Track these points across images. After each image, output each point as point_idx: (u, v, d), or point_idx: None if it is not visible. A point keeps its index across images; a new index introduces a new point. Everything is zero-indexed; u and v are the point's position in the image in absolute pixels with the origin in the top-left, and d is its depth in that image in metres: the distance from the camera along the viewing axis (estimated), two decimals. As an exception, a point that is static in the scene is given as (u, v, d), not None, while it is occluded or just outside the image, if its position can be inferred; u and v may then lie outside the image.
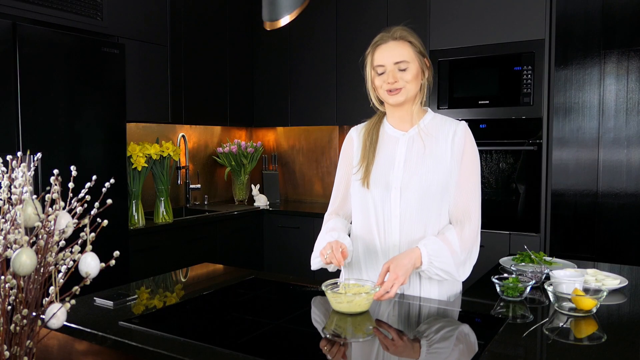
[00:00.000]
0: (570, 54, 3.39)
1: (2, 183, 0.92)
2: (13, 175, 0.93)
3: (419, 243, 1.52)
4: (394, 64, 1.56)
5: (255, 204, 4.14)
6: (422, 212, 1.58)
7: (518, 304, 1.52)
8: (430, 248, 1.50)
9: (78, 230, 0.94)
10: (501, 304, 1.52)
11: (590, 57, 3.35)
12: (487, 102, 3.16)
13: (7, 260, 0.86)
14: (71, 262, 0.92)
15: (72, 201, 0.95)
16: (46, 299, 0.91)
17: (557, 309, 1.44)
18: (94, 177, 0.98)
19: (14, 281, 0.87)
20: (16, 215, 0.88)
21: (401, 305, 1.53)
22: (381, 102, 1.69)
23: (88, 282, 0.91)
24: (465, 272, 1.58)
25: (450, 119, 1.66)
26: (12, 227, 0.88)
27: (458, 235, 1.55)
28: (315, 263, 1.64)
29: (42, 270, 0.90)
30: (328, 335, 1.31)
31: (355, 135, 1.74)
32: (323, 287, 1.45)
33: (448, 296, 1.65)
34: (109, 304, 1.50)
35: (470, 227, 1.57)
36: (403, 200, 1.58)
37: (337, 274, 1.73)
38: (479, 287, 1.75)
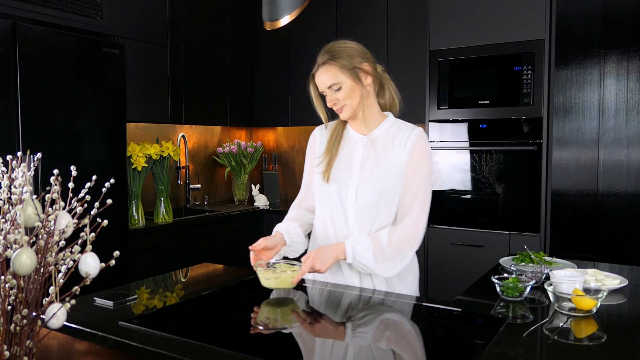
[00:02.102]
0: (570, 54, 3.39)
1: (2, 183, 0.92)
2: (13, 175, 0.93)
3: (347, 239, 1.64)
4: (328, 89, 1.68)
5: (255, 204, 4.14)
6: (374, 214, 1.67)
7: (518, 304, 1.52)
8: (355, 244, 1.60)
9: (78, 230, 0.94)
10: (501, 304, 1.52)
11: (590, 57, 3.35)
12: (487, 102, 3.16)
13: (7, 260, 0.86)
14: (71, 262, 0.92)
15: (72, 201, 0.95)
16: (46, 299, 0.91)
17: (557, 309, 1.44)
18: (94, 177, 0.98)
19: (14, 281, 0.87)
20: (16, 215, 0.88)
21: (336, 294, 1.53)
22: (331, 115, 1.80)
23: (88, 282, 0.91)
24: (392, 269, 1.63)
25: (408, 125, 1.73)
26: (12, 227, 0.88)
27: (389, 234, 1.62)
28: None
29: (42, 270, 0.90)
30: (261, 327, 1.38)
31: (319, 134, 1.85)
32: (254, 266, 1.59)
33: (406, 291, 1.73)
34: (109, 304, 1.50)
35: (403, 226, 1.64)
36: (358, 202, 1.68)
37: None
38: (479, 287, 1.75)
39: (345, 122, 1.79)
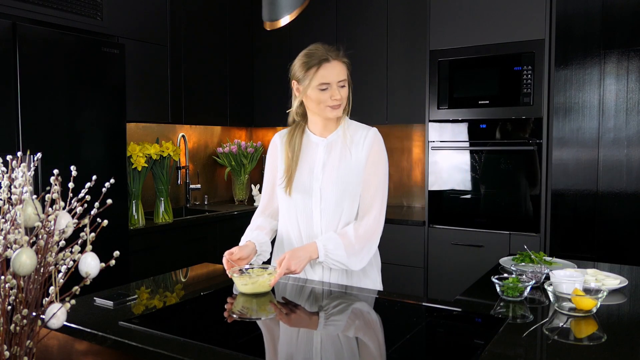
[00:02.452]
0: (570, 54, 3.39)
1: (2, 183, 0.92)
2: (13, 175, 0.93)
3: (317, 238, 1.72)
4: (337, 82, 1.72)
5: (255, 204, 4.14)
6: (339, 211, 1.76)
7: (518, 304, 1.52)
8: (326, 243, 1.68)
9: (78, 230, 0.94)
10: (501, 304, 1.52)
11: (590, 57, 3.35)
12: (487, 102, 3.16)
13: (7, 260, 0.86)
14: (71, 262, 0.92)
15: (72, 201, 0.95)
16: (46, 299, 0.91)
17: (557, 309, 1.44)
18: (94, 177, 0.98)
19: (14, 281, 0.87)
20: (16, 215, 0.88)
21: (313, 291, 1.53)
22: (303, 115, 1.86)
23: (88, 282, 0.91)
24: (360, 262, 1.72)
25: (363, 125, 1.83)
26: (12, 227, 0.88)
27: (355, 229, 1.71)
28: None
29: (42, 270, 0.90)
30: (235, 316, 1.45)
31: (279, 140, 1.90)
32: (229, 272, 1.64)
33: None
34: (109, 304, 1.50)
35: (367, 221, 1.73)
36: (323, 201, 1.76)
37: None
38: (479, 287, 1.75)
39: (301, 130, 1.85)
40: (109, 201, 0.94)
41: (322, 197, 1.76)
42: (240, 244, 1.82)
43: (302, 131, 1.85)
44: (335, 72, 1.71)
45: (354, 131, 1.81)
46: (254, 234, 1.85)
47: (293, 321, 1.43)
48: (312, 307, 1.56)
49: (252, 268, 1.69)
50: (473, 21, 3.20)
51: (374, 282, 1.85)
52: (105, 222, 0.94)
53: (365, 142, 1.77)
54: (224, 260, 1.70)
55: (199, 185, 4.09)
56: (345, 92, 1.74)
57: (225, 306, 1.52)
